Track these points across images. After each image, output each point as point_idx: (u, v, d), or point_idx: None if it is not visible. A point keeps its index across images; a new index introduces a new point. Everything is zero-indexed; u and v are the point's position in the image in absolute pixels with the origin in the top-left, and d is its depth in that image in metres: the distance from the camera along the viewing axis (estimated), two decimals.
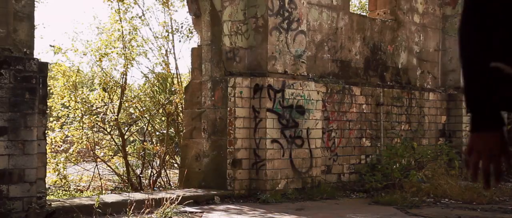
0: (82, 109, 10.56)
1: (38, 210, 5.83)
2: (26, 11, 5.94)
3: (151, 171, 11.03)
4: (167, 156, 11.17)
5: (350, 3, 12.18)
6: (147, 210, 6.04)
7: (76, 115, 10.67)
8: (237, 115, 7.92)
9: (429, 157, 9.46)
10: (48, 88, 8.19)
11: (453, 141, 10.75)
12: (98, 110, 10.77)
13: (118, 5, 10.81)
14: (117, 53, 10.73)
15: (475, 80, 1.82)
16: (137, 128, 12.04)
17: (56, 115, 10.95)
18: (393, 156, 9.08)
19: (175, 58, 12.01)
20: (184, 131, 8.75)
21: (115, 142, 11.29)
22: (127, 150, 10.90)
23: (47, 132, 8.24)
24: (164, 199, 6.22)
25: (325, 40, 9.14)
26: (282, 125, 7.99)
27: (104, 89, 10.79)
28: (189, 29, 11.44)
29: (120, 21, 10.78)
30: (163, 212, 6.10)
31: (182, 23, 11.69)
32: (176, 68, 11.47)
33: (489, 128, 1.80)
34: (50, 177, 10.03)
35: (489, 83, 1.78)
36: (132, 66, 10.83)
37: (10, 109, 5.65)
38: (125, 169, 10.76)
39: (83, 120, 10.56)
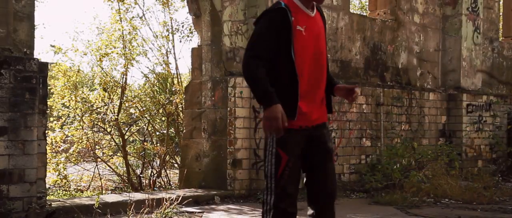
0: (82, 108, 10.57)
1: (38, 210, 5.83)
2: (26, 11, 5.94)
3: (151, 171, 11.04)
4: (167, 156, 11.17)
5: (350, 3, 12.18)
6: (147, 210, 6.04)
7: (76, 114, 10.67)
8: (237, 115, 7.92)
9: (429, 157, 9.45)
10: (49, 88, 8.20)
11: (453, 141, 10.75)
12: (98, 109, 10.78)
13: (119, 5, 10.82)
14: (117, 53, 10.74)
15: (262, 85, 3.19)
16: (137, 128, 12.05)
17: (57, 115, 10.96)
18: (393, 156, 9.07)
19: (175, 58, 12.02)
20: (184, 131, 8.75)
21: (115, 142, 11.30)
22: (127, 150, 10.91)
23: (47, 132, 8.24)
24: (164, 199, 6.22)
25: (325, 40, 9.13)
26: None
27: (104, 89, 10.80)
28: (190, 29, 11.44)
29: (121, 21, 10.79)
30: (163, 212, 6.10)
31: (182, 23, 11.69)
32: (176, 68, 11.49)
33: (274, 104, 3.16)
34: (51, 177, 10.03)
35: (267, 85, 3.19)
36: (132, 66, 10.84)
37: (10, 108, 5.65)
38: (125, 169, 10.77)
39: (83, 119, 10.56)
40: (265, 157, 3.33)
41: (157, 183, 10.49)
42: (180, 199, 6.40)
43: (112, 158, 11.60)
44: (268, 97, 3.16)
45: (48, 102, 8.19)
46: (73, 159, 10.80)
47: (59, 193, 9.51)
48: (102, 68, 10.95)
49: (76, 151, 10.78)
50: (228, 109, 7.91)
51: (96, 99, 10.81)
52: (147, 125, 11.46)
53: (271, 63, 3.24)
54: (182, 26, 11.54)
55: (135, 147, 11.72)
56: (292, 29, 3.22)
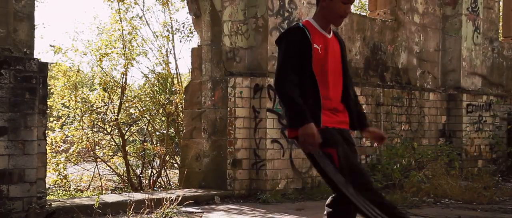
0: (82, 108, 10.57)
1: (38, 210, 5.83)
2: (26, 11, 5.94)
3: (151, 171, 11.03)
4: (167, 156, 11.17)
5: None
6: (147, 210, 6.04)
7: (76, 114, 10.67)
8: (237, 115, 7.92)
9: (430, 157, 9.45)
10: (49, 88, 8.20)
11: (453, 141, 10.75)
12: (98, 109, 10.77)
13: (119, 5, 10.82)
14: (117, 53, 10.74)
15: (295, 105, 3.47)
16: (137, 128, 12.05)
17: (57, 115, 10.95)
18: (393, 156, 9.07)
19: (175, 58, 12.02)
20: (184, 131, 8.75)
21: (115, 142, 11.30)
22: (127, 150, 10.90)
23: (47, 132, 8.24)
24: (164, 199, 6.23)
25: None
26: (282, 125, 7.99)
27: (104, 89, 10.79)
28: (190, 29, 11.44)
29: (120, 21, 10.79)
30: (163, 212, 6.11)
31: (183, 23, 11.69)
32: (176, 68, 11.49)
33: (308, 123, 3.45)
34: (51, 177, 10.03)
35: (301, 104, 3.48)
36: (132, 66, 10.84)
37: (10, 108, 5.65)
38: (125, 169, 10.76)
39: (83, 119, 10.56)
40: (319, 165, 3.50)
41: (157, 183, 10.49)
42: (180, 199, 6.40)
43: (112, 158, 11.60)
44: (303, 117, 3.43)
45: (48, 102, 8.19)
46: (73, 159, 10.80)
47: (59, 193, 9.51)
48: (102, 68, 10.95)
49: (76, 151, 10.78)
50: (228, 108, 7.91)
51: (96, 99, 10.81)
52: (147, 125, 11.46)
53: (298, 79, 3.54)
54: (183, 26, 11.55)
55: (135, 147, 11.72)
56: (311, 46, 3.56)
